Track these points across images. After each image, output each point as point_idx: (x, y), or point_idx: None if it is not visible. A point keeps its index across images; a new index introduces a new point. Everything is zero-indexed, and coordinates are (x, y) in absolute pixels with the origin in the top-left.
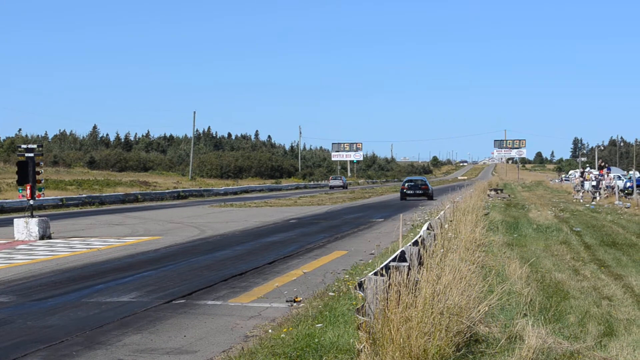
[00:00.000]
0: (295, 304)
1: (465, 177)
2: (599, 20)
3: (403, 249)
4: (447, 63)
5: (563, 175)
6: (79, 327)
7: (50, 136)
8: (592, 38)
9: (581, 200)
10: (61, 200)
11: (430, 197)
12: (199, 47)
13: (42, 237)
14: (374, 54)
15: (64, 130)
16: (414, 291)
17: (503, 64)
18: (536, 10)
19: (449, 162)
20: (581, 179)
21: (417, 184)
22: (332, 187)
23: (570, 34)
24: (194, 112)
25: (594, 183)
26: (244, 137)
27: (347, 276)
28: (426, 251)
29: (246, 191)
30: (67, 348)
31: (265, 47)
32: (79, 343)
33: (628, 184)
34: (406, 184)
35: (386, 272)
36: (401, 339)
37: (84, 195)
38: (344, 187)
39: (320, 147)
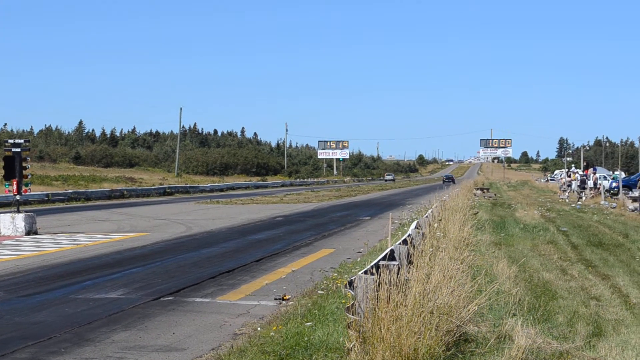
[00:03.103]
0: (283, 302)
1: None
2: (585, 22)
3: (392, 247)
4: (434, 62)
5: (549, 175)
6: (67, 324)
7: (36, 131)
8: (578, 39)
9: (567, 200)
10: (47, 195)
11: (454, 182)
12: (186, 44)
13: (28, 233)
14: (361, 52)
15: (50, 126)
16: (404, 290)
17: (490, 64)
18: (523, 11)
19: (435, 160)
20: (568, 179)
21: (450, 177)
22: (386, 180)
23: (557, 34)
24: (180, 109)
25: (579, 183)
26: (230, 134)
27: (336, 274)
28: (415, 250)
29: (232, 188)
30: (56, 344)
31: (252, 45)
32: (67, 339)
33: (614, 184)
34: (445, 177)
35: (376, 270)
36: (391, 338)
37: (69, 191)
38: (393, 180)
39: (307, 145)
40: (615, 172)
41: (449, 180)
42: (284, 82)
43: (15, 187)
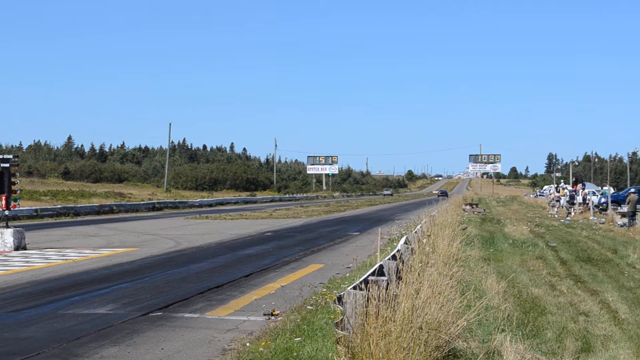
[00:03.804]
0: (272, 317)
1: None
2: (574, 37)
3: (381, 262)
4: (423, 77)
5: (538, 191)
6: (55, 339)
7: (25, 146)
8: (568, 55)
9: (556, 216)
10: (36, 210)
11: (446, 195)
12: (175, 59)
13: (17, 248)
14: (350, 67)
15: (39, 141)
16: (392, 306)
17: (479, 79)
18: (512, 26)
19: (424, 176)
20: (557, 194)
21: (444, 192)
22: (384, 195)
23: (546, 50)
24: (170, 124)
25: (568, 198)
26: (219, 149)
27: (325, 290)
28: (404, 265)
29: (221, 203)
30: None
31: (241, 60)
32: (55, 355)
33: (602, 200)
34: (439, 192)
35: (365, 286)
36: (380, 354)
37: (58, 206)
38: (391, 194)
39: (296, 160)
40: (604, 188)
41: (443, 194)
42: (273, 98)
43: (4, 202)
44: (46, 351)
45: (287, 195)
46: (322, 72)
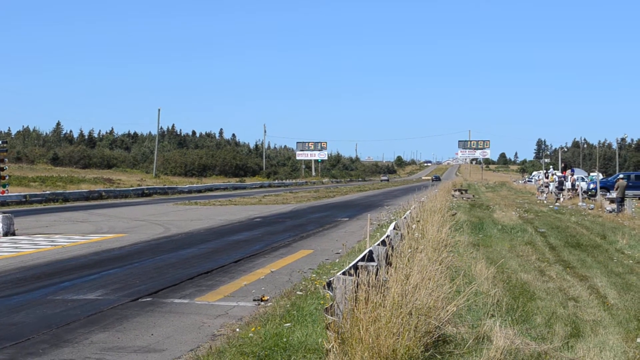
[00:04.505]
0: (262, 303)
1: (430, 178)
2: (564, 24)
3: (371, 248)
4: (412, 63)
5: (527, 176)
6: (45, 325)
7: (14, 132)
8: (557, 42)
9: (545, 201)
10: (25, 196)
11: (439, 180)
12: (164, 45)
13: (6, 234)
14: (340, 54)
15: (27, 127)
16: (382, 291)
17: (468, 65)
18: (501, 13)
19: (413, 162)
20: (546, 180)
21: (437, 177)
22: (382, 180)
23: (536, 37)
24: (159, 110)
25: (557, 184)
26: (208, 135)
27: (314, 275)
28: (394, 251)
29: (210, 189)
30: (34, 346)
31: (230, 46)
32: (45, 341)
33: (591, 186)
34: (433, 177)
35: (355, 271)
36: (370, 339)
37: (47, 192)
38: (388, 180)
39: (285, 146)
40: (592, 174)
41: (437, 179)
42: (262, 84)
43: None
44: (36, 337)
45: (276, 181)
46: (312, 59)
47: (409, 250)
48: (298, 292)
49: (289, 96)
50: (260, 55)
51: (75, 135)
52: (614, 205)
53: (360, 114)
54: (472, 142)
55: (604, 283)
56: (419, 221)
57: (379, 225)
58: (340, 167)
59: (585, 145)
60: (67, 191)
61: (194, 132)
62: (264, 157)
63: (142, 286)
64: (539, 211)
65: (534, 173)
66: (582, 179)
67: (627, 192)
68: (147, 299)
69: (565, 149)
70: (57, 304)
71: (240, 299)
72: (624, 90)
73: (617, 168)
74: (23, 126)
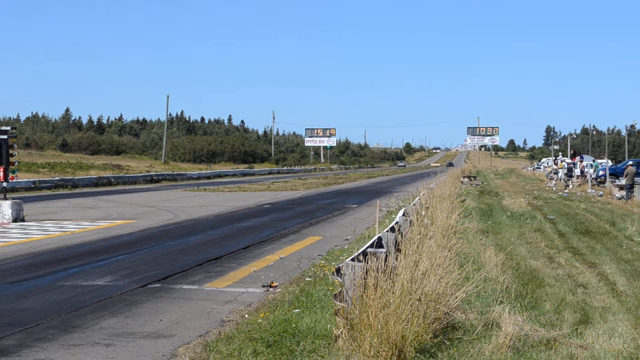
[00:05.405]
0: (271, 289)
1: (438, 164)
2: (571, 11)
3: (380, 235)
4: (422, 50)
5: (536, 163)
6: (54, 311)
7: (23, 118)
8: (564, 28)
9: (554, 188)
10: (34, 182)
11: (452, 166)
12: (173, 32)
13: (15, 220)
14: (349, 41)
15: (37, 113)
16: (391, 277)
17: (477, 52)
18: (510, 1)
19: (422, 148)
20: (555, 167)
21: (451, 163)
22: (398, 167)
23: (544, 24)
24: (167, 96)
25: (566, 171)
26: (217, 121)
27: (323, 262)
28: (403, 237)
29: (219, 176)
30: (43, 331)
31: (240, 33)
32: (54, 326)
33: (600, 172)
34: (447, 163)
35: (364, 258)
36: (379, 325)
37: (56, 178)
38: (404, 166)
39: (294, 133)
40: (598, 160)
41: (450, 165)
42: (271, 70)
43: (2, 174)
44: (45, 322)
45: (285, 168)
46: (321, 46)
47: (418, 237)
48: (307, 279)
49: (298, 83)
50: (270, 42)
51: (84, 121)
52: (623, 192)
53: (369, 101)
54: (481, 128)
55: (613, 270)
56: (428, 208)
57: (388, 211)
58: (349, 154)
59: (594, 132)
60: (76, 177)
61: (202, 119)
62: (272, 143)
63: (151, 272)
64: (548, 198)
65: (543, 160)
66: (591, 166)
67: (636, 178)
68: (156, 285)
69: (574, 136)
70: (66, 290)
71: (249, 285)
72: (633, 77)
73: (627, 155)
74: (32, 112)
